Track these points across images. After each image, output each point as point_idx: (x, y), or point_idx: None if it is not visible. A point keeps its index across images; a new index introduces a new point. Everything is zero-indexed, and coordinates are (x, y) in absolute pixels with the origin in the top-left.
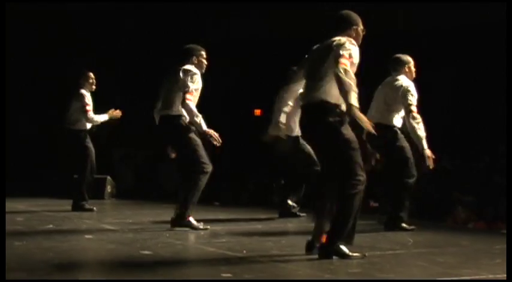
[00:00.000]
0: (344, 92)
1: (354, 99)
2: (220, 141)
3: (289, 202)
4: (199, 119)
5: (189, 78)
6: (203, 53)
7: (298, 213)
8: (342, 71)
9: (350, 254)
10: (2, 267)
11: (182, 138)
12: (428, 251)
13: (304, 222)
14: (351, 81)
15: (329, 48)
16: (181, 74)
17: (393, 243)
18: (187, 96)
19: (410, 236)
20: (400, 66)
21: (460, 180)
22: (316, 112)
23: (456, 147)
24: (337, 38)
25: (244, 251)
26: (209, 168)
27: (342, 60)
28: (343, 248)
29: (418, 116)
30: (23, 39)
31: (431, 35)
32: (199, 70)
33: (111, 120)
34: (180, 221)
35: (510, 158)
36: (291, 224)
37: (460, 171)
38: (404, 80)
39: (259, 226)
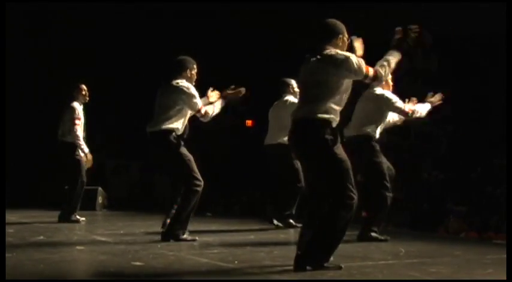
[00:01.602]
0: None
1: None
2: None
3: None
4: (208, 107)
5: (192, 98)
6: (195, 66)
7: (295, 223)
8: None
9: (325, 264)
10: (2, 268)
11: (174, 154)
12: (420, 261)
13: (297, 232)
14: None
15: (326, 62)
16: (182, 93)
17: (385, 254)
18: (198, 114)
19: (403, 246)
20: None
21: (452, 190)
22: (309, 128)
23: (449, 158)
24: (328, 52)
25: (236, 262)
26: (201, 184)
27: (370, 72)
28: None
29: (411, 111)
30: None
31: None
32: (190, 83)
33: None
34: (170, 236)
35: (510, 163)
36: (283, 235)
37: (452, 181)
38: (378, 90)
39: (251, 237)
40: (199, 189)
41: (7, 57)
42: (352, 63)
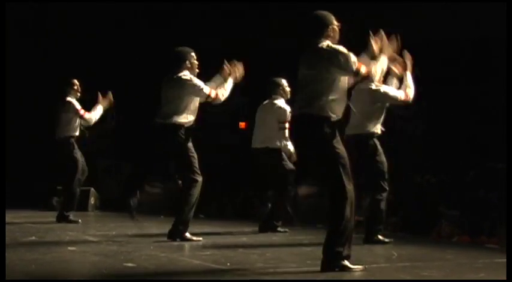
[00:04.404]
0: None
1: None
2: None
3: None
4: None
5: (195, 87)
6: (193, 54)
7: (279, 229)
8: (374, 86)
9: (352, 266)
10: (2, 268)
11: (180, 148)
12: (412, 264)
13: (289, 235)
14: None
15: (318, 56)
16: (185, 86)
17: (377, 257)
18: (209, 99)
19: (395, 249)
20: None
21: (444, 194)
22: (309, 123)
23: (441, 162)
24: (320, 45)
25: (229, 264)
26: (200, 178)
27: (362, 70)
28: (346, 262)
29: (408, 97)
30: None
31: (422, 47)
32: (192, 73)
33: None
34: (176, 235)
35: (510, 167)
36: (275, 237)
37: (445, 185)
38: (373, 85)
39: (244, 239)
40: (199, 181)
41: (6, 58)
42: (339, 59)
